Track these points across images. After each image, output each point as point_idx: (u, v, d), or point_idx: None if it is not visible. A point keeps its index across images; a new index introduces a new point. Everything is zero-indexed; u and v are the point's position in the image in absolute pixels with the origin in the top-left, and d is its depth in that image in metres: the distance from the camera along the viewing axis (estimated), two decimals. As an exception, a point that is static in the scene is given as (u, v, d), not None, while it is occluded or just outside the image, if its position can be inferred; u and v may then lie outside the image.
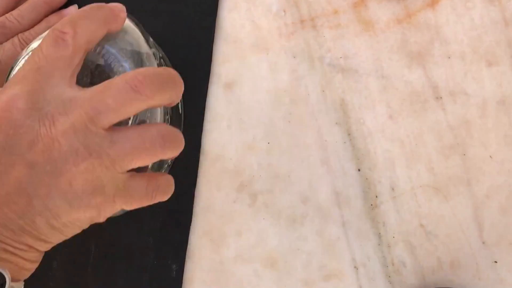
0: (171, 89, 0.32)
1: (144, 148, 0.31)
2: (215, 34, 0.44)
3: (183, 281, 0.43)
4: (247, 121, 0.44)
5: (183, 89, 0.33)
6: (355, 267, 0.42)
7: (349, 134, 0.43)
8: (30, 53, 0.32)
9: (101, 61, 0.34)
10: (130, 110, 0.30)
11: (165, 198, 0.34)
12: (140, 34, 0.36)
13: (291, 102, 0.43)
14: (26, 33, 0.42)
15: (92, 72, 0.33)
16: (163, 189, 0.34)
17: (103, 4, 0.34)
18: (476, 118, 0.42)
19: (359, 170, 0.43)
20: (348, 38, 0.43)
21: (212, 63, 0.44)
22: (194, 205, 0.44)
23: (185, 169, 0.44)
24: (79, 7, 0.45)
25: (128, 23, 0.35)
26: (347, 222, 0.42)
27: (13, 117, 0.29)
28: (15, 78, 0.31)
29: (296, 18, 0.43)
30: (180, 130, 0.42)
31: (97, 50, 0.34)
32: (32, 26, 0.43)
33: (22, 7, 0.44)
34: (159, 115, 0.36)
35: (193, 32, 0.44)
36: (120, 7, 0.34)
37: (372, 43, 0.43)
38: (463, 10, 0.42)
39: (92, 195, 0.30)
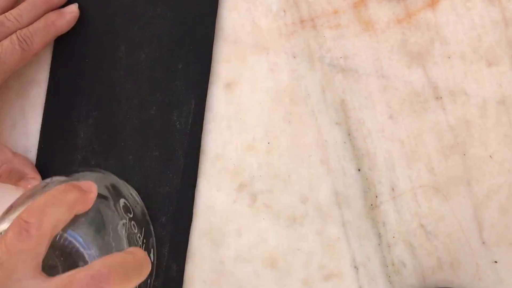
0: (137, 277, 0.32)
1: None
2: (215, 34, 0.44)
3: (183, 281, 0.43)
4: (247, 121, 0.44)
5: (149, 270, 0.33)
6: (355, 267, 0.42)
7: (349, 134, 0.43)
8: None
9: (65, 249, 0.34)
10: None
11: None
12: (106, 208, 0.36)
13: (291, 102, 0.43)
14: (25, 30, 0.42)
15: (57, 257, 0.33)
16: None
17: (73, 185, 0.34)
18: (476, 118, 0.42)
19: (359, 170, 0.43)
20: (348, 38, 0.43)
21: (212, 63, 0.44)
22: (194, 205, 0.44)
23: (185, 169, 0.44)
24: (79, 6, 0.45)
25: (96, 200, 0.36)
26: (347, 222, 0.42)
27: None
28: None
29: (296, 18, 0.43)
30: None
31: (62, 238, 0.34)
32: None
33: (22, 6, 0.43)
34: None
35: (193, 32, 0.44)
36: (90, 186, 0.35)
37: (372, 43, 0.43)
38: (463, 10, 0.42)
39: None
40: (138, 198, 0.42)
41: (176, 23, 0.44)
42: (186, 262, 0.43)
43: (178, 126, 0.44)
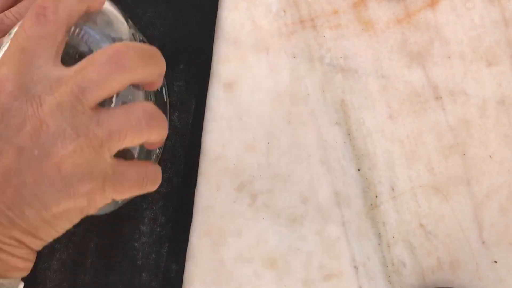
0: (153, 64, 0.32)
1: (130, 126, 0.30)
2: (215, 34, 0.44)
3: (183, 281, 0.43)
4: (247, 121, 0.44)
5: (165, 67, 0.33)
6: (355, 267, 0.42)
7: (349, 134, 0.43)
8: (14, 34, 0.32)
9: (82, 44, 0.33)
10: (114, 85, 0.30)
11: (154, 187, 0.34)
12: (119, 15, 0.36)
13: (291, 102, 0.43)
14: None
15: (73, 55, 0.33)
16: (152, 178, 0.34)
17: None
18: (476, 118, 0.42)
19: (359, 170, 0.43)
20: (348, 38, 0.43)
21: (212, 63, 0.44)
22: (194, 205, 0.44)
23: (185, 169, 0.44)
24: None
25: (107, 5, 0.35)
26: (347, 222, 0.42)
27: (1, 100, 0.29)
28: (2, 59, 0.30)
29: (296, 18, 0.43)
30: (166, 117, 0.42)
31: (77, 32, 0.33)
32: None
33: (21, 4, 0.43)
34: (141, 98, 0.35)
35: (193, 32, 0.44)
36: None
37: (372, 43, 0.43)
38: (463, 10, 0.42)
39: (81, 181, 0.29)
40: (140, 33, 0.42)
41: (176, 23, 0.44)
42: (186, 262, 0.43)
43: (178, 126, 0.44)
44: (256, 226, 0.43)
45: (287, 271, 0.43)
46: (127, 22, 0.36)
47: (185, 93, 0.44)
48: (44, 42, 0.30)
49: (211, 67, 0.44)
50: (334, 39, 0.43)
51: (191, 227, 0.43)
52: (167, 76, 0.44)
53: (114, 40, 0.34)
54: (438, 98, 0.42)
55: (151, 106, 0.32)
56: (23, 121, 0.29)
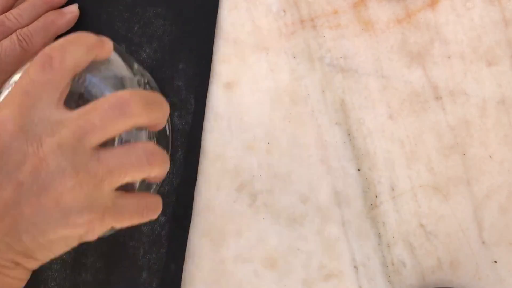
0: (157, 110, 0.33)
1: (131, 164, 0.31)
2: (215, 34, 0.44)
3: (183, 281, 0.43)
4: (247, 121, 0.44)
5: (168, 112, 0.34)
6: (355, 267, 0.42)
7: (349, 134, 0.43)
8: (18, 79, 0.32)
9: (84, 91, 0.34)
10: (117, 129, 0.31)
11: (154, 216, 0.35)
12: (123, 63, 0.36)
13: (291, 102, 0.43)
14: (24, 29, 0.42)
15: (76, 102, 0.33)
16: (152, 208, 0.34)
17: (90, 33, 0.34)
18: (476, 118, 0.42)
19: (359, 170, 0.43)
20: (348, 38, 0.43)
21: (212, 63, 0.44)
22: (194, 205, 0.44)
23: (185, 169, 0.44)
24: (79, 6, 0.45)
25: (113, 52, 0.36)
26: (347, 222, 0.42)
27: (1, 139, 0.29)
28: (4, 102, 0.31)
29: (296, 18, 0.43)
30: (168, 151, 0.42)
31: (80, 80, 0.34)
32: None
33: (22, 6, 0.44)
34: (144, 137, 0.36)
35: (193, 32, 0.44)
36: (106, 38, 0.35)
37: (372, 43, 0.43)
38: (463, 10, 0.42)
39: (80, 213, 0.30)
40: (148, 75, 0.41)
41: (176, 23, 0.44)
42: (186, 262, 0.43)
43: (178, 126, 0.44)
44: (256, 226, 0.43)
45: (287, 271, 0.43)
46: (132, 68, 0.37)
47: (185, 93, 0.44)
48: (47, 87, 0.31)
49: (211, 67, 0.44)
50: (334, 39, 0.43)
51: (191, 227, 0.43)
52: (167, 76, 0.44)
53: (117, 88, 0.34)
54: (438, 98, 0.42)
55: (152, 145, 0.32)
56: (22, 159, 0.29)
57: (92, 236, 0.32)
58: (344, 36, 0.43)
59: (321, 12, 0.43)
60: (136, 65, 0.38)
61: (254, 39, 0.44)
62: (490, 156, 0.42)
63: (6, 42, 0.42)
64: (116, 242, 0.44)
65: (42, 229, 0.30)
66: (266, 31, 0.44)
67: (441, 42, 0.42)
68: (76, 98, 0.33)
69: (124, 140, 0.34)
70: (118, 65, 0.36)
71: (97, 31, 0.45)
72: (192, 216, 0.44)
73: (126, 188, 0.33)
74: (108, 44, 0.34)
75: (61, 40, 0.32)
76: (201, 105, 0.44)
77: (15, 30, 0.42)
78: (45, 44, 0.43)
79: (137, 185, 0.36)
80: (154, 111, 0.32)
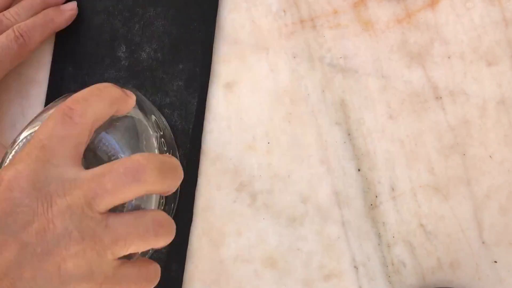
0: (171, 178, 0.32)
1: (137, 235, 0.30)
2: (215, 34, 0.44)
3: (183, 281, 0.43)
4: (247, 121, 0.44)
5: (182, 178, 0.33)
6: (355, 267, 0.42)
7: (349, 134, 0.43)
8: (37, 130, 0.31)
9: (100, 151, 0.33)
10: (128, 195, 0.30)
11: (151, 286, 0.34)
12: (142, 118, 0.35)
13: (291, 102, 0.43)
14: (22, 25, 0.42)
15: (90, 160, 0.33)
16: (151, 278, 0.34)
17: (115, 85, 0.33)
18: (476, 118, 0.42)
19: (359, 170, 0.43)
20: (348, 38, 0.43)
21: (212, 63, 0.44)
22: (194, 205, 0.44)
23: (185, 169, 0.43)
24: (80, 6, 0.45)
25: (134, 108, 0.35)
26: (347, 222, 0.42)
27: (13, 195, 0.29)
28: (20, 155, 0.31)
29: (296, 18, 0.43)
30: (174, 207, 0.42)
31: (97, 138, 0.33)
32: None
33: (20, 5, 0.43)
34: (153, 200, 0.35)
35: (193, 32, 0.44)
36: (130, 93, 0.34)
37: (372, 43, 0.43)
38: (463, 10, 0.42)
39: (79, 282, 0.29)
40: (165, 122, 0.41)
41: (176, 23, 0.44)
42: (186, 262, 0.43)
43: (178, 126, 0.44)
44: (256, 226, 0.43)
45: (287, 271, 0.43)
46: (150, 120, 0.36)
47: (185, 93, 0.44)
48: (65, 142, 0.30)
49: (211, 67, 0.44)
50: (334, 39, 0.43)
51: (191, 227, 0.43)
52: (167, 76, 0.44)
53: (133, 148, 0.34)
54: (438, 98, 0.42)
55: (161, 215, 0.32)
56: (31, 219, 0.29)
57: None
58: (344, 36, 0.43)
59: (321, 12, 0.43)
60: (153, 117, 0.37)
61: (254, 39, 0.44)
62: (490, 156, 0.42)
63: (2, 39, 0.41)
64: (116, 242, 0.44)
65: None
66: (266, 31, 0.44)
67: (441, 42, 0.42)
68: (91, 156, 0.33)
69: (134, 203, 0.33)
70: (137, 121, 0.35)
71: (97, 31, 0.45)
72: (192, 216, 0.44)
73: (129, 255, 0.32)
74: (131, 98, 0.34)
75: (84, 92, 0.32)
76: (201, 105, 0.44)
77: (12, 27, 0.42)
78: (42, 41, 0.43)
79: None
80: (169, 179, 0.32)
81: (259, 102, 0.44)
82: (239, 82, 0.44)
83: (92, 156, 0.33)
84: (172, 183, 0.32)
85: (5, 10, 0.43)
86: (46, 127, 0.30)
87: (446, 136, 0.42)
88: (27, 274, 0.29)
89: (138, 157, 0.30)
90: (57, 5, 0.44)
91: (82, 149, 0.31)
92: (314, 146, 0.43)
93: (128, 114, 0.35)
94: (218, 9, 0.44)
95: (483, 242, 0.41)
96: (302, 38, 0.43)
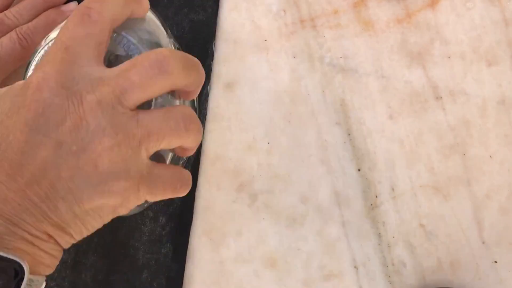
0: (195, 73, 0.32)
1: (169, 128, 0.31)
2: (215, 34, 0.44)
3: (183, 281, 0.43)
4: (247, 121, 0.44)
5: (204, 77, 0.33)
6: (355, 267, 0.42)
7: (349, 134, 0.43)
8: (58, 33, 0.32)
9: (121, 51, 0.33)
10: (155, 89, 0.30)
11: (186, 191, 0.34)
12: (159, 24, 0.36)
13: (291, 102, 0.43)
14: (24, 27, 0.42)
15: (112, 60, 0.33)
16: (185, 182, 0.34)
17: None
18: (476, 118, 0.42)
19: (359, 170, 0.43)
20: (348, 38, 0.43)
21: (212, 63, 0.44)
22: (194, 205, 0.44)
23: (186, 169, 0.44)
24: (79, 3, 0.45)
25: (149, 13, 0.35)
26: (347, 222, 0.42)
27: (43, 96, 0.29)
28: (45, 59, 0.31)
29: (296, 18, 0.43)
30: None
31: (117, 39, 0.33)
32: None
33: (21, 5, 0.43)
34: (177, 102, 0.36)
35: (193, 32, 0.44)
36: None
37: (372, 43, 0.43)
38: (463, 10, 0.42)
39: (117, 179, 0.30)
40: (177, 44, 0.42)
41: (176, 23, 0.44)
42: (186, 262, 0.43)
43: (178, 126, 0.44)
44: (256, 226, 0.43)
45: (287, 271, 0.43)
46: (167, 32, 0.36)
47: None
48: (87, 41, 0.30)
49: (211, 67, 0.44)
50: (334, 39, 0.43)
51: (191, 227, 0.43)
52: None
53: (153, 48, 0.34)
54: (438, 98, 0.42)
55: (189, 110, 0.32)
56: (63, 117, 0.29)
57: (125, 209, 0.31)
58: (344, 36, 0.43)
59: (321, 12, 0.43)
60: (168, 30, 0.38)
61: (254, 39, 0.44)
62: (490, 156, 0.42)
63: (5, 41, 0.41)
64: (116, 242, 0.44)
65: (78, 197, 0.29)
66: (266, 31, 0.44)
67: (441, 42, 0.42)
68: (112, 56, 0.33)
69: (160, 105, 0.33)
70: (154, 25, 0.35)
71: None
72: (192, 216, 0.44)
73: (158, 161, 0.32)
74: (145, 1, 0.34)
75: None
76: (202, 105, 0.44)
77: (15, 29, 0.42)
78: None
79: (168, 160, 0.35)
80: (193, 73, 0.32)
81: (259, 102, 0.44)
82: (239, 82, 0.44)
83: (114, 58, 0.33)
84: (196, 78, 0.32)
85: (5, 10, 0.43)
86: (67, 29, 0.31)
87: (446, 136, 0.42)
88: (64, 174, 0.29)
89: (161, 50, 0.31)
90: (59, 3, 0.44)
91: (104, 48, 0.31)
92: (314, 146, 0.43)
93: (146, 19, 0.35)
94: (218, 9, 0.44)
95: (483, 242, 0.41)
96: (302, 38, 0.43)
